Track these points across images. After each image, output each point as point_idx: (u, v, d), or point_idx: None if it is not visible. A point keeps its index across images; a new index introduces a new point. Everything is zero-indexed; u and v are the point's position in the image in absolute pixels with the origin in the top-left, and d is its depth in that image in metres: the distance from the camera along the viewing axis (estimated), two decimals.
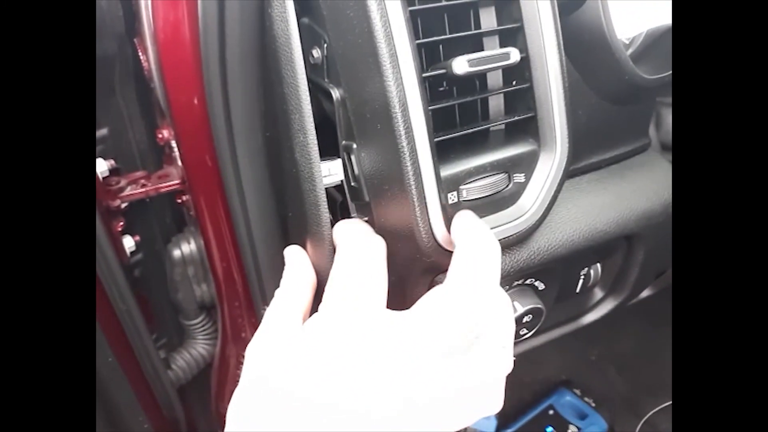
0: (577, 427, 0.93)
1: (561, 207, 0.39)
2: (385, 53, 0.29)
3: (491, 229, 0.33)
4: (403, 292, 0.36)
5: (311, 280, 0.34)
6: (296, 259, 0.35)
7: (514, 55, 0.32)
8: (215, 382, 0.70)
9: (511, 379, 0.29)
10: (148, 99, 0.59)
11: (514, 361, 0.30)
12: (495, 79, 0.36)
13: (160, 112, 0.57)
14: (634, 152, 0.45)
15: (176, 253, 0.62)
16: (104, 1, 0.41)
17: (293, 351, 0.28)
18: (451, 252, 0.33)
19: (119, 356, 0.49)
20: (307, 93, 0.31)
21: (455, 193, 0.33)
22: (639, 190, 0.42)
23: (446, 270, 0.30)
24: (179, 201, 0.59)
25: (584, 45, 0.38)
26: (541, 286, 0.41)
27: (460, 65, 0.31)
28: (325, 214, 0.32)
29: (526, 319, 0.39)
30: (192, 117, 0.48)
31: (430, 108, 0.31)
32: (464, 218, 0.32)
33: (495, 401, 0.29)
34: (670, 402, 0.92)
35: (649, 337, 1.00)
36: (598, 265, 0.44)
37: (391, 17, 0.29)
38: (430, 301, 0.28)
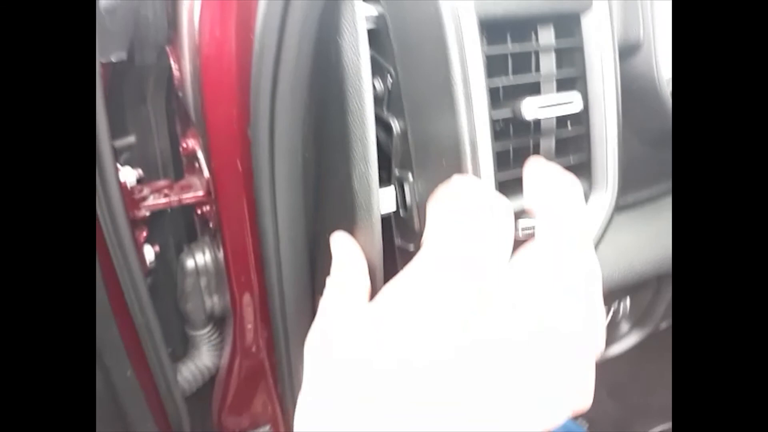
0: None
1: (600, 245, 0.40)
2: (461, 95, 0.29)
3: None
4: None
5: (364, 267, 0.32)
6: (346, 246, 0.34)
7: (578, 103, 0.33)
8: (219, 395, 0.69)
9: None
10: (174, 107, 0.58)
11: None
12: (549, 121, 0.36)
13: (186, 121, 0.57)
14: (663, 193, 0.46)
15: (189, 263, 0.61)
16: (150, 12, 0.41)
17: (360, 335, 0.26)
18: None
19: (137, 370, 0.48)
20: (374, 125, 0.31)
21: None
22: (670, 232, 0.43)
23: None
24: (198, 212, 0.58)
25: (633, 92, 0.39)
26: None
27: (530, 109, 0.31)
28: (379, 243, 0.33)
29: None
30: (228, 131, 0.47)
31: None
32: (539, 169, 0.29)
33: (587, 390, 0.25)
34: (663, 427, 0.94)
35: (640, 361, 1.01)
36: (627, 299, 0.45)
37: (470, 60, 0.29)
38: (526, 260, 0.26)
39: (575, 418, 0.99)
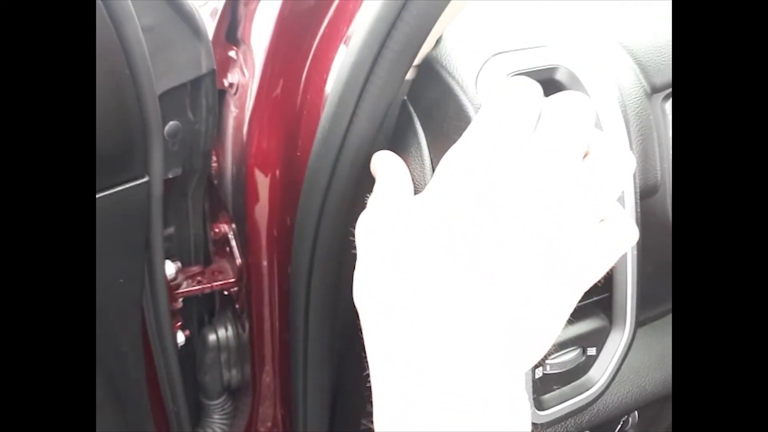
0: None
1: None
2: None
3: (563, 403, 0.37)
4: None
5: (409, 178, 0.33)
6: (390, 158, 0.34)
7: None
8: None
9: None
10: (209, 193, 0.60)
11: None
12: None
13: (218, 205, 0.59)
14: (670, 311, 0.50)
15: (212, 337, 0.63)
16: (203, 126, 0.44)
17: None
18: (535, 424, 0.36)
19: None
20: None
21: (541, 368, 0.36)
22: None
23: None
24: (225, 293, 0.61)
25: (650, 228, 0.42)
26: None
27: None
28: None
29: None
30: (268, 224, 0.50)
31: None
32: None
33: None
34: None
35: None
36: (636, 412, 0.48)
37: None
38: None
39: None
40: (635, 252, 0.38)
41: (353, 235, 0.44)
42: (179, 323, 0.53)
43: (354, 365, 0.51)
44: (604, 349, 0.39)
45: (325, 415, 0.59)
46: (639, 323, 0.48)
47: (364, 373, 0.26)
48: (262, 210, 0.50)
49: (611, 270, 0.38)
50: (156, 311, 0.42)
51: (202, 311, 0.67)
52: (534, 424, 0.36)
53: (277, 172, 0.48)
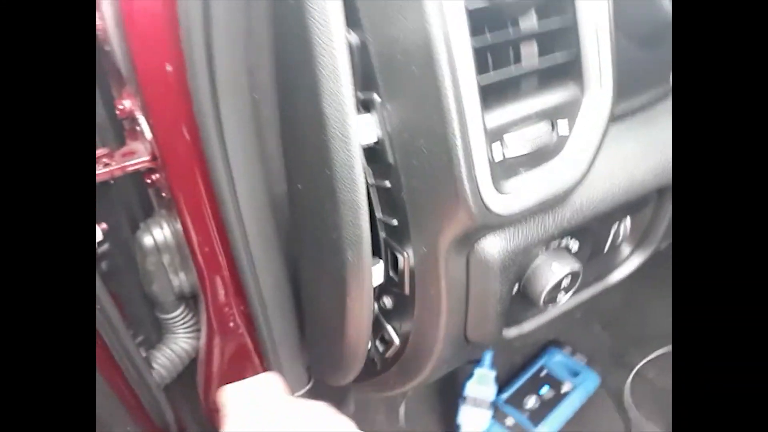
0: (571, 383, 0.93)
1: (599, 158, 0.36)
2: None
3: (533, 189, 0.30)
4: (435, 267, 0.32)
5: None
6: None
7: None
8: (202, 378, 0.64)
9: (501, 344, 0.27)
10: (102, 65, 0.51)
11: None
12: (529, 22, 0.31)
13: (119, 80, 0.50)
14: (657, 98, 0.42)
15: (147, 240, 0.56)
16: None
17: None
18: (499, 216, 0.29)
19: (98, 363, 0.43)
20: (343, 25, 0.26)
21: (499, 145, 0.29)
22: (669, 139, 0.39)
23: (488, 233, 0.26)
24: (149, 181, 0.52)
25: None
26: (574, 246, 0.38)
27: None
28: (361, 177, 0.28)
29: (564, 283, 0.36)
30: (164, 82, 0.41)
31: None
32: None
33: None
34: (658, 353, 0.93)
35: (631, 291, 1.00)
36: (628, 219, 0.41)
37: None
38: None
39: (572, 353, 0.97)
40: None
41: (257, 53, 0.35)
42: None
43: (301, 222, 0.44)
44: (578, 121, 0.31)
45: (284, 297, 0.52)
46: (624, 114, 0.40)
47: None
48: (151, 60, 0.41)
49: (575, 22, 0.30)
50: None
51: (137, 215, 0.60)
52: (497, 215, 0.28)
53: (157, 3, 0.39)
